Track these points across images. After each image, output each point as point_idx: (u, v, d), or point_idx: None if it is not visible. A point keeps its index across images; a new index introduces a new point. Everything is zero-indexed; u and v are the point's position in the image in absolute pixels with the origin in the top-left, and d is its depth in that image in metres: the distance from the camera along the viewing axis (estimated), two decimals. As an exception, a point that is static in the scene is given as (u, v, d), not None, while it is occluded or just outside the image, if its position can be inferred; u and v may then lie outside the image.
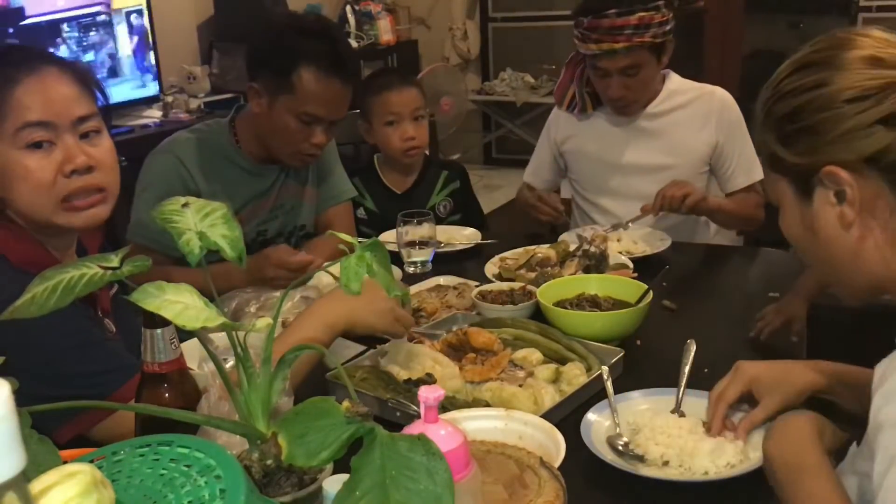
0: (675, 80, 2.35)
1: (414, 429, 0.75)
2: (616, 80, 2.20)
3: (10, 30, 3.50)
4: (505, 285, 1.80)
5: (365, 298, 1.10)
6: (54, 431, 1.11)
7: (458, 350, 1.49)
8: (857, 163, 0.92)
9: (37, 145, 1.21)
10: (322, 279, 1.85)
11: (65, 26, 3.71)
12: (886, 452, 0.83)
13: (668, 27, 2.16)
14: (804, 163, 0.96)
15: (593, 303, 1.66)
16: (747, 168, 2.27)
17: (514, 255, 2.03)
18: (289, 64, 1.86)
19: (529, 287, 1.76)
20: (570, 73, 2.39)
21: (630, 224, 2.19)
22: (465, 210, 2.53)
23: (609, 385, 1.31)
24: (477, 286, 1.82)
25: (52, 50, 3.32)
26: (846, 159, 0.92)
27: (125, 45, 3.95)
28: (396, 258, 2.02)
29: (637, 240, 2.13)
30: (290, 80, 1.86)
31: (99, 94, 1.31)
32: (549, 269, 1.89)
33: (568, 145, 2.44)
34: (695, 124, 2.30)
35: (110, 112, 1.38)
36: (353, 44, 4.99)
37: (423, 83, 2.52)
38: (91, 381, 1.20)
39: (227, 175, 1.99)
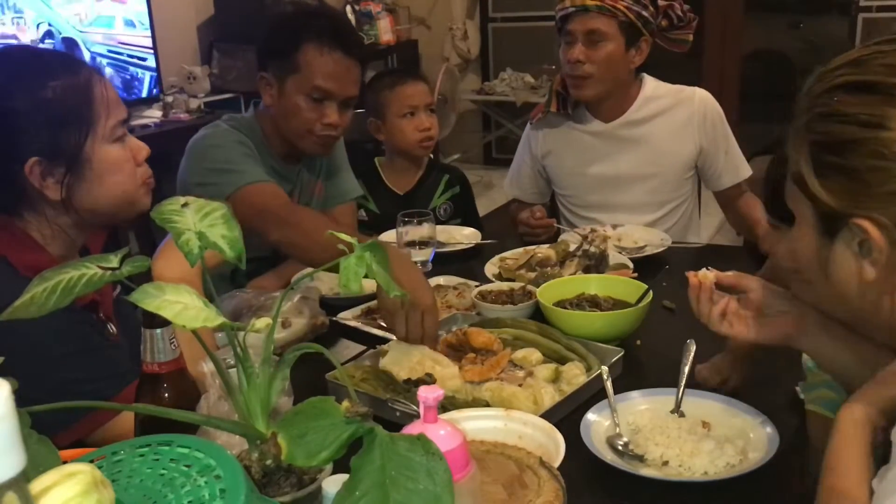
0: (650, 86, 2.30)
1: (413, 429, 0.75)
2: (579, 46, 2.17)
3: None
4: (505, 285, 1.80)
5: None
6: (52, 438, 1.10)
7: (458, 350, 1.49)
8: (893, 227, 0.79)
9: (121, 140, 1.30)
10: (323, 278, 1.85)
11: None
12: None
13: (645, 13, 2.15)
14: (835, 204, 0.83)
15: (593, 303, 1.66)
16: (734, 167, 2.27)
17: (514, 255, 2.03)
18: (292, 44, 1.90)
19: (529, 287, 1.76)
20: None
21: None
22: (465, 216, 2.55)
23: (609, 385, 1.31)
24: (477, 286, 1.82)
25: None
26: (883, 221, 0.79)
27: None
28: (396, 258, 2.01)
29: (637, 239, 2.13)
30: (295, 58, 1.90)
31: None
32: (549, 269, 1.89)
33: (549, 160, 2.41)
34: (676, 130, 2.27)
35: None
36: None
37: (441, 83, 2.59)
38: (88, 388, 1.19)
39: (264, 167, 1.99)
